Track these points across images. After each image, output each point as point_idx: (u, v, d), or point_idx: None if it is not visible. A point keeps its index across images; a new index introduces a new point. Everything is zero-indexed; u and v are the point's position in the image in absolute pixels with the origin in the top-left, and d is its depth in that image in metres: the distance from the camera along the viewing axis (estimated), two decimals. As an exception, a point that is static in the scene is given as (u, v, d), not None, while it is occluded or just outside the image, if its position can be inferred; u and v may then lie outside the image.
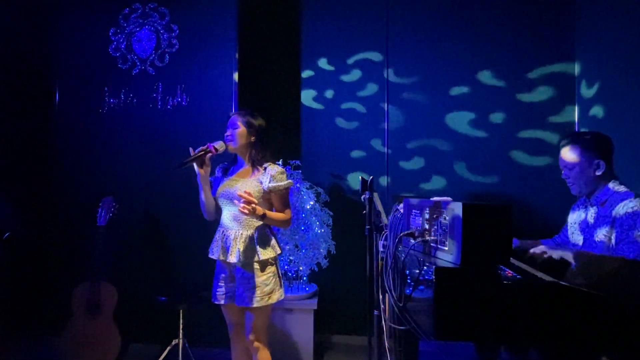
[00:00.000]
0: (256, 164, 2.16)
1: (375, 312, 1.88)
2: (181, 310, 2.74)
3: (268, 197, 2.14)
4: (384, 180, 3.34)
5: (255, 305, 2.06)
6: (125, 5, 3.22)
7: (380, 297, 1.83)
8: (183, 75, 3.14)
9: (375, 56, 3.38)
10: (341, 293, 3.35)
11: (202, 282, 2.87)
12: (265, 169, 2.14)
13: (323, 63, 3.48)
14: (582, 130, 3.00)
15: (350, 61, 3.43)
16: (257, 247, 2.09)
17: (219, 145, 2.16)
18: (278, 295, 2.14)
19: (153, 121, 3.16)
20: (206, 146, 2.13)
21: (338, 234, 3.16)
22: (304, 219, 3.01)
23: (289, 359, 2.94)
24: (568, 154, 1.91)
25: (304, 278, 3.17)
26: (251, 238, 2.10)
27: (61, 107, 3.25)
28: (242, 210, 1.92)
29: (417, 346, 2.23)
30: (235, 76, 3.08)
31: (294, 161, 3.10)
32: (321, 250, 3.01)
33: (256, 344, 2.16)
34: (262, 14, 3.54)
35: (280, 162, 3.04)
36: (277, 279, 2.16)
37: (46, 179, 3.28)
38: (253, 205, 1.94)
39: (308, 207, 3.02)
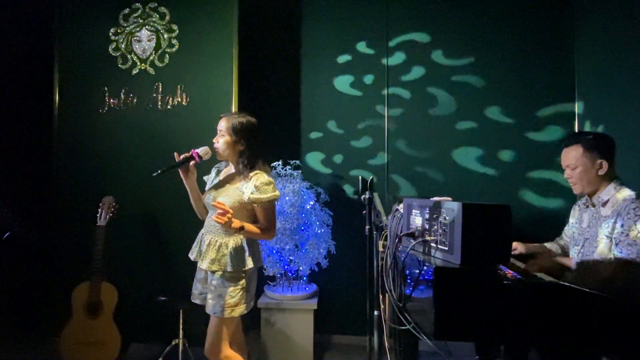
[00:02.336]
0: (243, 172, 2.03)
1: (375, 312, 1.88)
2: (181, 310, 2.74)
3: (250, 208, 2.03)
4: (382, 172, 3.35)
5: (217, 315, 2.00)
6: (125, 5, 3.22)
7: (380, 297, 1.83)
8: (183, 75, 3.14)
9: (373, 49, 3.40)
10: (341, 293, 3.35)
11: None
12: (250, 178, 2.01)
13: (324, 63, 3.49)
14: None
15: (350, 58, 3.45)
16: (229, 257, 2.00)
17: (203, 152, 2.05)
18: (242, 309, 2.02)
19: (153, 121, 3.15)
20: (190, 153, 2.02)
21: (338, 234, 3.16)
22: (304, 219, 3.01)
23: (289, 359, 2.94)
24: (571, 154, 1.91)
25: (304, 278, 3.16)
26: (225, 247, 2.02)
27: (61, 107, 3.24)
28: (216, 220, 1.81)
29: (417, 346, 2.23)
30: (235, 76, 3.08)
31: (294, 161, 3.10)
32: (321, 250, 3.01)
33: (211, 356, 2.04)
34: (263, 14, 3.54)
35: (279, 163, 3.05)
36: (245, 292, 2.04)
37: (46, 179, 3.27)
38: (228, 216, 1.83)
39: (308, 207, 3.02)
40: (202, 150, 2.06)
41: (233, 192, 2.04)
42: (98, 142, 3.20)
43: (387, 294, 1.74)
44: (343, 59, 3.45)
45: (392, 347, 1.99)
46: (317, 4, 3.50)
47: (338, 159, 3.45)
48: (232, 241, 2.04)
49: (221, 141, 2.05)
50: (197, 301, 2.18)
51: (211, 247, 2.03)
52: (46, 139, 3.28)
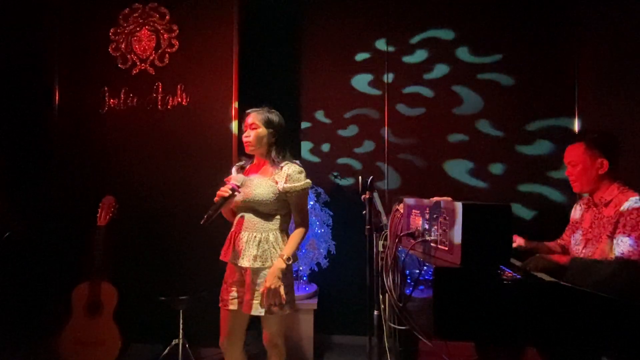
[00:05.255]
0: (276, 162, 2.06)
1: (375, 312, 1.88)
2: (181, 310, 2.74)
3: (284, 198, 2.04)
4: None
5: (262, 315, 1.96)
6: (125, 5, 3.22)
7: (380, 297, 1.83)
8: (183, 75, 3.14)
9: (380, 46, 3.41)
10: (341, 293, 3.35)
11: (202, 282, 2.88)
12: (281, 168, 2.04)
13: (325, 62, 3.49)
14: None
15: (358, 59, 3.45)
16: (271, 252, 2.00)
17: (239, 180, 2.00)
18: (289, 306, 2.01)
19: (153, 121, 3.15)
20: (230, 186, 1.95)
21: (338, 234, 3.16)
22: (304, 219, 3.01)
23: (288, 359, 2.94)
24: (572, 151, 1.90)
25: (304, 278, 3.16)
26: (265, 242, 2.00)
27: (61, 107, 3.24)
28: (270, 302, 1.90)
29: (417, 346, 2.23)
30: (235, 76, 3.08)
31: (294, 161, 3.09)
32: (321, 250, 3.01)
33: (273, 349, 2.12)
34: (263, 14, 3.54)
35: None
36: (289, 288, 2.03)
37: (46, 179, 3.27)
38: (280, 288, 1.91)
39: (308, 207, 3.02)
40: (237, 180, 1.99)
41: (266, 184, 2.02)
42: (98, 142, 3.20)
43: (387, 294, 1.74)
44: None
45: (392, 347, 1.99)
46: (317, 4, 3.50)
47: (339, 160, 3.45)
48: (272, 235, 2.02)
49: (253, 134, 2.06)
50: (231, 307, 2.07)
51: (250, 244, 1.99)
52: (46, 139, 3.28)
